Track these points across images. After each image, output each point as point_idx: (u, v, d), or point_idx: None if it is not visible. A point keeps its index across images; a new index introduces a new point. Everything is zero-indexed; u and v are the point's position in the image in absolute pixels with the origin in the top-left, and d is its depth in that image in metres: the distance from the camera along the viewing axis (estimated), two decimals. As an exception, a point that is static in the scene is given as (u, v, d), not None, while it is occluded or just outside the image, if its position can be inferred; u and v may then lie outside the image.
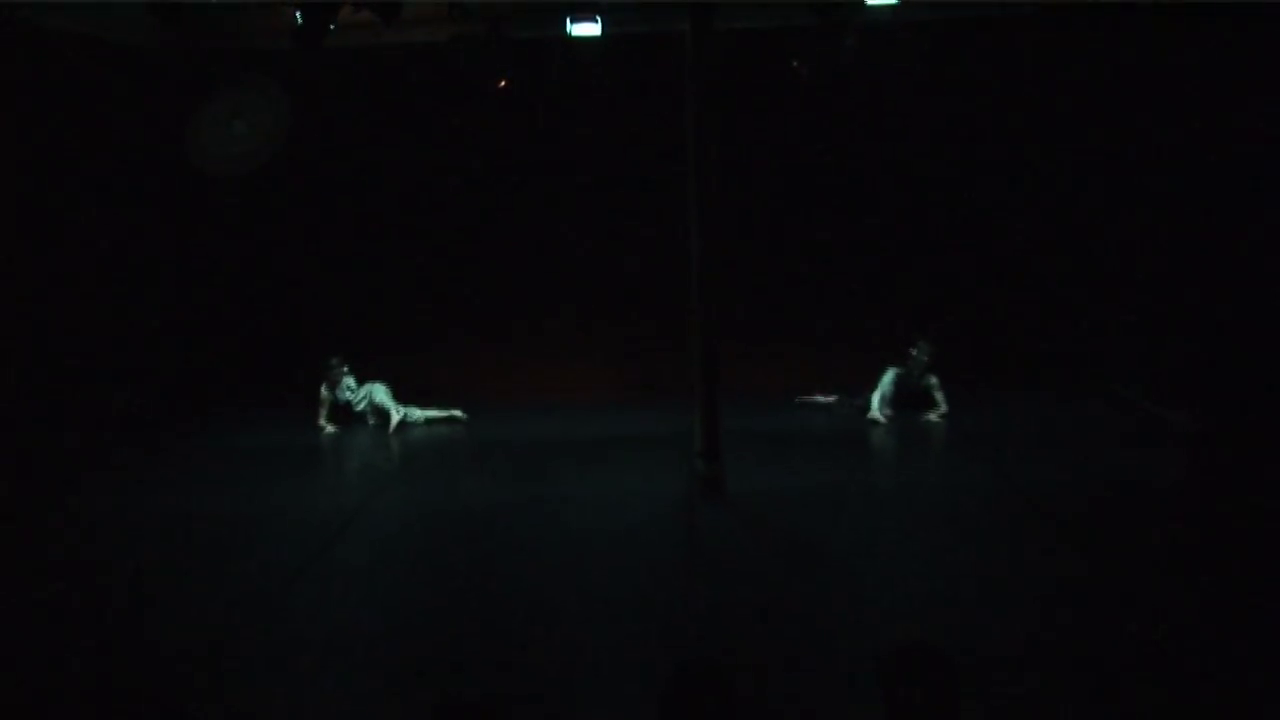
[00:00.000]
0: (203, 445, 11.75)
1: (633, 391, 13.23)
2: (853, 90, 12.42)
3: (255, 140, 11.84)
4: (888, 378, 12.00)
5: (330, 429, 12.08)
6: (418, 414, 12.32)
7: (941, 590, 7.27)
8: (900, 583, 7.44)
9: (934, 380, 11.97)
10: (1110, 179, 12.43)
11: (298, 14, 9.86)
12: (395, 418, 12.08)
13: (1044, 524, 8.51)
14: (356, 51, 11.73)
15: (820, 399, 12.39)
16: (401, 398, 12.41)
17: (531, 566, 7.92)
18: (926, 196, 13.05)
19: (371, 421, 12.25)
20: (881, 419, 11.94)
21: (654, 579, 7.57)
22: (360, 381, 12.32)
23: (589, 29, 10.86)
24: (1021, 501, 9.01)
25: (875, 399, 12.00)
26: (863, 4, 10.29)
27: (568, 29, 10.86)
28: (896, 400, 12.01)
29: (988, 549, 7.95)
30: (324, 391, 12.19)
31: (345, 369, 12.21)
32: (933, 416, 11.91)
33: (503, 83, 11.17)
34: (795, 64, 11.32)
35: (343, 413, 12.32)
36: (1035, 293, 13.05)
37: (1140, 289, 12.18)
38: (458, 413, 12.37)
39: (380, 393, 12.24)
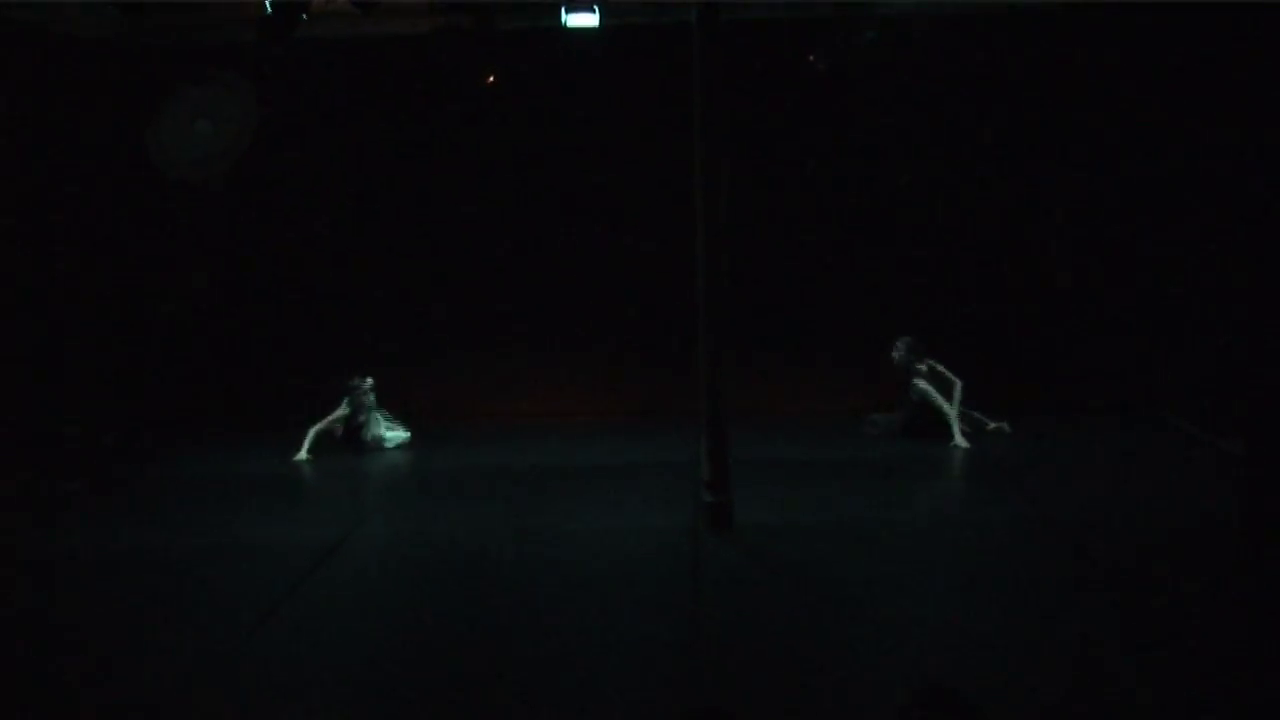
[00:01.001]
0: (165, 475, 11.15)
1: (633, 412, 12.73)
2: (872, 86, 11.93)
3: (221, 142, 11.25)
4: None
5: (304, 455, 11.31)
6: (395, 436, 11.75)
7: (969, 635, 6.71)
8: (925, 626, 6.87)
9: (923, 388, 10.96)
10: (1154, 183, 11.80)
11: (266, 3, 9.41)
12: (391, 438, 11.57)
13: (1084, 563, 7.95)
14: (332, 44, 11.30)
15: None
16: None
17: (522, 605, 7.40)
18: (953, 200, 12.42)
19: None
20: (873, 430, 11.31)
21: (656, 619, 7.07)
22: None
23: (586, 20, 10.49)
24: (1058, 538, 8.44)
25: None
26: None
27: (563, 20, 10.49)
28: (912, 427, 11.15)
29: (1021, 591, 7.38)
30: (344, 409, 11.48)
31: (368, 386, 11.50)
32: (959, 441, 10.90)
33: (491, 78, 10.81)
34: (811, 58, 10.95)
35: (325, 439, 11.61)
36: (1072, 306, 12.42)
37: (1190, 303, 11.52)
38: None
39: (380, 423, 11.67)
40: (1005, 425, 11.29)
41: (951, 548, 8.40)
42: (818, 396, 12.49)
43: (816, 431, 11.93)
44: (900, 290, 12.47)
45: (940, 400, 10.87)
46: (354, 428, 11.41)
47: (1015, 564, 7.91)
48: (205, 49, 11.60)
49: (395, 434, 11.71)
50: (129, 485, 10.74)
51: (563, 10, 10.32)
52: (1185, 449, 10.89)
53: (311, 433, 11.29)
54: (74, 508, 10.05)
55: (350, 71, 12.12)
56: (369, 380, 11.43)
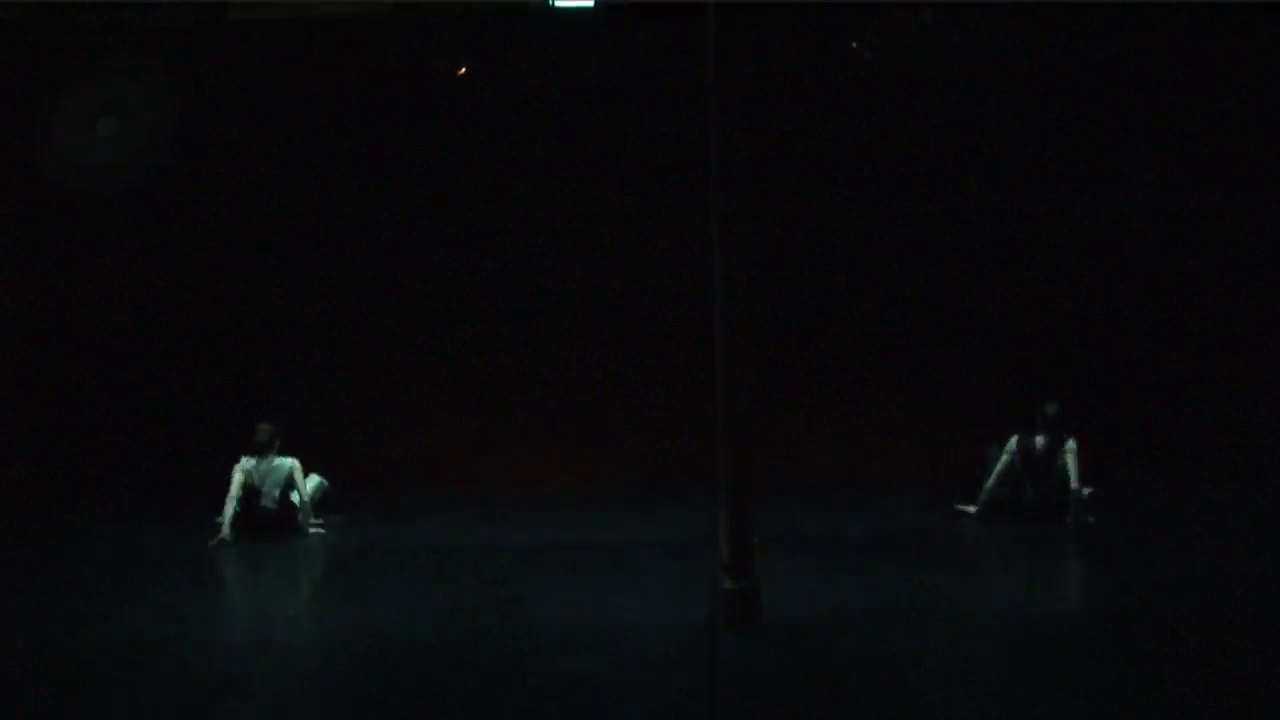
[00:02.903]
0: (58, 548, 10.46)
1: (637, 481, 12.14)
2: (927, 78, 11.37)
3: (129, 146, 10.49)
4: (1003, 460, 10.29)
5: (228, 534, 10.12)
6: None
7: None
8: None
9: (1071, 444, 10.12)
10: (1259, 210, 11.31)
11: None
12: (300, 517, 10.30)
13: (1185, 654, 7.26)
14: (270, 25, 10.91)
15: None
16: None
17: None
18: (1027, 217, 11.79)
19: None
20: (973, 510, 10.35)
21: None
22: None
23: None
24: (1162, 633, 7.66)
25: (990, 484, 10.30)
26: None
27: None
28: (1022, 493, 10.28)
29: (1115, 698, 6.61)
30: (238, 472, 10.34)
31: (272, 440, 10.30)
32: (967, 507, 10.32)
33: (462, 70, 10.61)
34: (854, 44, 10.59)
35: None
36: (1171, 349, 11.75)
37: None
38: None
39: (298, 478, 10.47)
40: (1083, 490, 10.31)
41: (1032, 647, 7.55)
42: (859, 458, 11.88)
43: (859, 500, 11.34)
44: (961, 330, 11.98)
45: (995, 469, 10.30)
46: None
47: (1113, 666, 7.07)
48: (116, 31, 11.10)
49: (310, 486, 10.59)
50: (13, 562, 10.04)
51: (549, -12, 10.33)
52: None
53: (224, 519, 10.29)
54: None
55: (294, 61, 11.63)
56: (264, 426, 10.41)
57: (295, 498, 10.30)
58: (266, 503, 10.26)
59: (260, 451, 10.29)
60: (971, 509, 10.24)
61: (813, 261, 12.13)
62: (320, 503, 10.63)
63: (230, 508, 10.16)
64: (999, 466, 10.12)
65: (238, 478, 10.21)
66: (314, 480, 10.57)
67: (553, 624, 8.23)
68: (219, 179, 12.01)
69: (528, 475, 12.31)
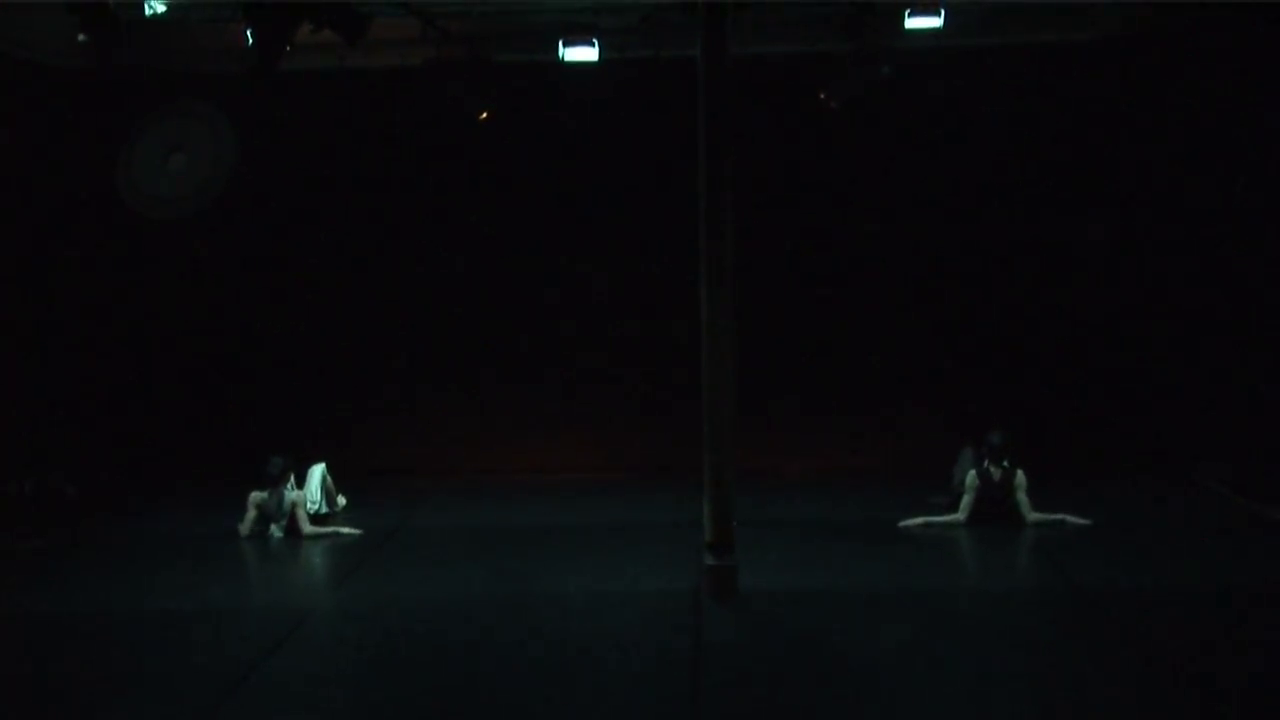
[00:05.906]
0: (129, 532, 10.81)
1: (629, 469, 12.39)
2: (888, 124, 11.56)
3: (197, 178, 10.76)
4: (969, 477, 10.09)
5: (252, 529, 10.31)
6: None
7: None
8: (946, 707, 6.48)
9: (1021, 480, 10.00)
10: (1195, 232, 11.43)
11: (247, 32, 8.99)
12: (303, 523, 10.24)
13: (1119, 639, 7.55)
14: (317, 76, 10.91)
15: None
16: (347, 477, 10.94)
17: (504, 680, 7.02)
18: (977, 246, 12.03)
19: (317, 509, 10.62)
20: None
21: (652, 699, 6.68)
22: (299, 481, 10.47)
23: (585, 54, 10.29)
24: (1091, 611, 8.06)
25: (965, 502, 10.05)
26: (900, 26, 9.72)
27: (561, 54, 10.34)
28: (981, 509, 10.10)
29: (1056, 672, 7.03)
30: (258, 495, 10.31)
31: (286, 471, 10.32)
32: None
33: (484, 114, 10.67)
34: (823, 95, 10.60)
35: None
36: (1107, 362, 11.94)
37: (1232, 363, 11.19)
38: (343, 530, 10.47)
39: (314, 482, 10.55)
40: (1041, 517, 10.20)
41: (978, 622, 8.02)
42: (831, 453, 12.20)
43: (829, 491, 11.62)
44: (920, 339, 12.17)
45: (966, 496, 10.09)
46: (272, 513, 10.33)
47: (1052, 644, 7.53)
48: (183, 80, 11.29)
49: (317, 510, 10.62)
50: (91, 542, 10.42)
51: (560, 43, 10.09)
52: (1226, 517, 10.52)
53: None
54: (33, 566, 9.76)
55: (337, 106, 11.79)
56: (277, 459, 10.29)
57: (302, 517, 10.18)
58: (276, 531, 10.19)
59: (272, 484, 10.19)
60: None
61: (790, 270, 12.17)
62: (331, 498, 10.62)
63: (245, 530, 10.17)
64: (966, 501, 9.95)
65: (251, 513, 10.19)
66: (318, 471, 10.55)
67: (549, 594, 8.57)
68: (259, 209, 12.08)
69: (527, 466, 12.44)
